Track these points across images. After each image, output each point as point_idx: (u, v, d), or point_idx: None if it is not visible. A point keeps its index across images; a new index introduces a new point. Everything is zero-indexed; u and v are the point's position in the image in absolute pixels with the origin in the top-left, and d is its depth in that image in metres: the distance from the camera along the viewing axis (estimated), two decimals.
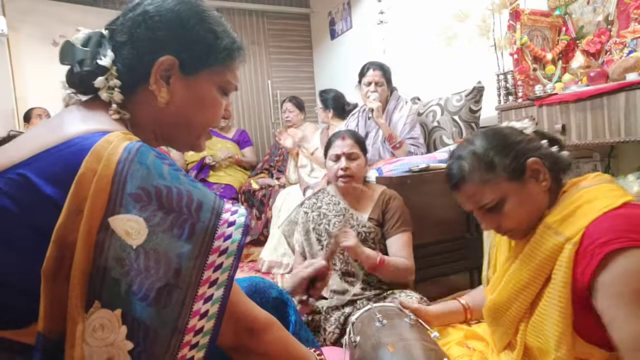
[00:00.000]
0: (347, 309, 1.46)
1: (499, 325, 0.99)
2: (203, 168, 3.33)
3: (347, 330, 1.16)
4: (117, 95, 0.65)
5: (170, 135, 0.72)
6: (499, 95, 2.01)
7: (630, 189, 1.58)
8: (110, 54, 0.65)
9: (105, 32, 0.68)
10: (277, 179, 3.39)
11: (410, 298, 1.40)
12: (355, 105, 2.89)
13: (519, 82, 1.91)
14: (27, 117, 3.21)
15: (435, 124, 2.47)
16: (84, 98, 0.69)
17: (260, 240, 2.95)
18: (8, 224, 0.52)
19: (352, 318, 1.20)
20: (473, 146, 0.94)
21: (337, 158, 1.64)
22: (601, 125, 1.54)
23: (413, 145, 2.32)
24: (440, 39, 2.49)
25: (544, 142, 0.95)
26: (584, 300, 0.80)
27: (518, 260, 0.93)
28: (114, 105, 0.65)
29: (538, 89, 1.78)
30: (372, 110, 2.29)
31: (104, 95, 0.65)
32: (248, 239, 2.89)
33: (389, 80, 2.41)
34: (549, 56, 1.95)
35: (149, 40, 0.66)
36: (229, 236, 0.58)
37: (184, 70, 0.68)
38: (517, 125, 0.98)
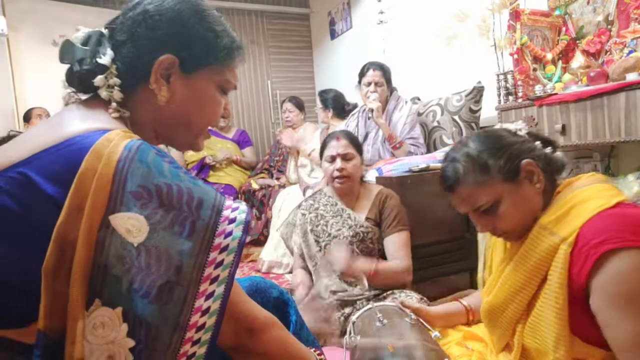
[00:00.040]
0: (347, 309, 1.46)
1: (496, 327, 0.99)
2: (203, 168, 3.34)
3: (347, 329, 1.16)
4: (117, 94, 0.65)
5: (169, 133, 0.72)
6: (499, 95, 2.01)
7: (630, 189, 1.58)
8: (110, 52, 0.65)
9: (104, 31, 0.68)
10: (277, 179, 3.40)
11: (411, 298, 1.40)
12: (355, 105, 2.89)
13: (519, 82, 1.91)
14: (27, 117, 3.21)
15: (435, 124, 2.47)
16: (83, 97, 0.69)
17: (260, 240, 2.95)
18: (8, 222, 0.52)
19: (353, 317, 1.20)
20: (467, 148, 0.94)
21: (333, 159, 1.65)
22: (601, 125, 1.54)
23: (413, 145, 2.32)
24: (440, 39, 2.49)
25: (538, 143, 0.95)
26: (580, 301, 0.80)
27: (513, 262, 0.93)
28: (114, 104, 0.65)
29: (538, 89, 1.78)
30: (371, 110, 2.29)
31: (103, 93, 0.65)
32: (248, 238, 2.89)
33: (388, 81, 2.41)
34: (549, 56, 1.95)
35: (149, 39, 0.66)
36: (230, 233, 0.59)
37: (184, 69, 0.68)
38: (511, 126, 0.98)
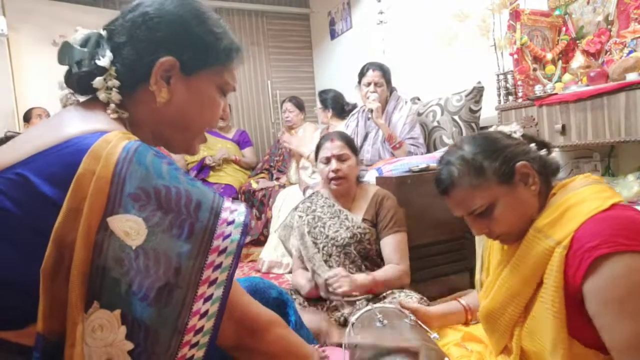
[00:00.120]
0: (347, 310, 1.46)
1: (494, 331, 0.99)
2: (203, 168, 3.34)
3: (347, 330, 1.16)
4: (115, 96, 0.65)
5: (167, 135, 0.72)
6: (499, 95, 2.01)
7: (630, 189, 1.58)
8: (109, 54, 0.65)
9: (103, 33, 0.68)
10: (277, 179, 3.39)
11: (410, 298, 1.40)
12: (355, 106, 2.89)
13: (519, 82, 1.91)
14: (27, 117, 3.21)
15: (435, 124, 2.47)
16: (81, 98, 0.69)
17: (260, 240, 2.95)
18: (6, 223, 0.52)
19: (352, 318, 1.20)
20: (462, 151, 0.94)
21: (328, 160, 1.64)
22: (601, 125, 1.54)
23: (413, 145, 2.32)
24: (440, 39, 2.49)
25: (533, 145, 0.95)
26: (577, 303, 0.79)
27: (509, 265, 0.92)
28: (112, 105, 0.65)
29: (538, 89, 1.78)
30: (371, 110, 2.29)
31: (102, 95, 0.65)
32: (248, 239, 2.90)
33: (388, 81, 2.41)
34: (549, 56, 1.95)
35: (149, 41, 0.66)
36: (228, 235, 0.59)
37: (184, 70, 0.68)
38: (505, 129, 0.98)
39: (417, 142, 2.33)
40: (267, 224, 2.96)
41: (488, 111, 2.30)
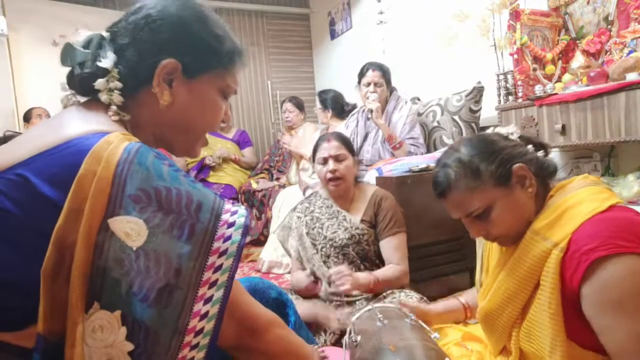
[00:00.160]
0: (347, 310, 1.46)
1: (492, 332, 0.99)
2: (203, 168, 3.34)
3: (348, 330, 1.16)
4: (117, 97, 0.65)
5: (169, 137, 0.72)
6: (499, 95, 2.01)
7: (630, 189, 1.58)
8: (111, 56, 0.65)
9: (105, 35, 0.68)
10: (277, 179, 3.40)
11: (410, 298, 1.40)
12: (355, 106, 2.89)
13: (519, 82, 1.91)
14: (27, 117, 3.22)
15: (435, 124, 2.47)
16: (83, 99, 0.69)
17: (260, 240, 2.95)
18: (7, 224, 0.52)
19: (353, 318, 1.20)
20: (458, 153, 0.94)
21: (325, 161, 1.64)
22: (601, 125, 1.54)
23: (413, 145, 2.32)
24: (440, 39, 2.49)
25: (530, 147, 0.95)
26: (575, 305, 0.79)
27: (507, 267, 0.92)
28: (113, 107, 0.65)
29: (538, 89, 1.78)
30: (371, 111, 2.29)
31: (103, 97, 0.65)
32: (248, 239, 2.89)
33: (388, 81, 2.41)
34: (549, 56, 1.95)
35: (151, 43, 0.66)
36: (229, 237, 0.59)
37: (187, 73, 0.68)
38: (502, 130, 0.98)
39: (417, 142, 2.33)
40: (267, 224, 2.96)
41: (488, 111, 2.30)
